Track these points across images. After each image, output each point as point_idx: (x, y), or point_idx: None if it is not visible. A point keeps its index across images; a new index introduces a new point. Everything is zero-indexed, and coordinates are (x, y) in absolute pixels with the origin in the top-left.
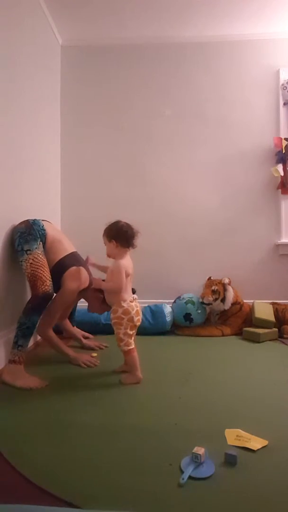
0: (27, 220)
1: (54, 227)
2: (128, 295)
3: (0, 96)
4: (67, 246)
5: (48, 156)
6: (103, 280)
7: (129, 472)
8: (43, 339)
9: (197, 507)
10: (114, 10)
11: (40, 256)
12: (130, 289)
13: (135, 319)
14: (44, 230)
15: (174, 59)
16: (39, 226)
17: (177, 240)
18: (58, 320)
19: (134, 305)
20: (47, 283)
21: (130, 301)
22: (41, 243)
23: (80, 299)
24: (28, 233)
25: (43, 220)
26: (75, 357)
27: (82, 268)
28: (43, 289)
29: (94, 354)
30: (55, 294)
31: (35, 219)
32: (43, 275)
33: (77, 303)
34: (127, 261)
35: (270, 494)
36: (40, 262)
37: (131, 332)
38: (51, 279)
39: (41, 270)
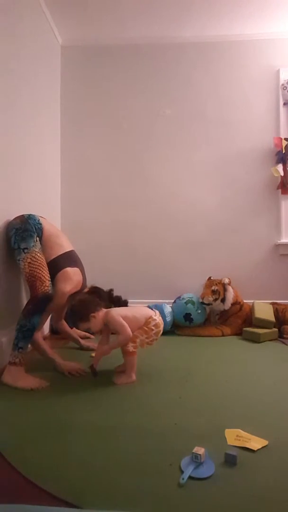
0: (22, 215)
1: (50, 223)
2: (149, 310)
3: (0, 96)
4: (64, 243)
5: (48, 156)
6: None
7: (129, 472)
8: (30, 343)
9: (197, 507)
10: (114, 10)
11: (38, 254)
12: (142, 308)
13: (159, 335)
14: (40, 224)
15: (174, 59)
16: (34, 220)
17: (177, 240)
18: (54, 322)
19: (162, 321)
20: (47, 284)
21: (159, 315)
22: (37, 238)
23: None
24: (24, 229)
25: (39, 216)
26: (60, 364)
27: (77, 269)
28: (43, 289)
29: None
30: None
31: (30, 214)
32: (42, 275)
33: None
34: (113, 310)
35: (270, 494)
36: (39, 262)
37: (147, 341)
38: (50, 279)
39: (40, 270)
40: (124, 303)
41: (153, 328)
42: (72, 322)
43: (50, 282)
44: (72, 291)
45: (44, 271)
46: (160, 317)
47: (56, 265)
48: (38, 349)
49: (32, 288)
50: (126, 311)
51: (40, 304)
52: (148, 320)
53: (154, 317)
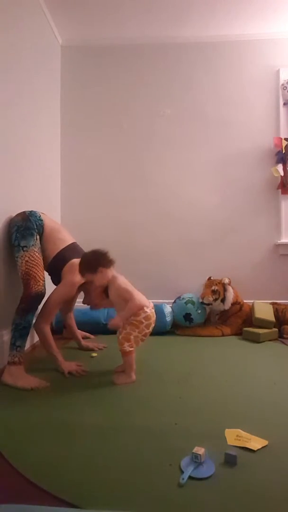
0: (23, 212)
1: (51, 218)
2: (145, 300)
3: (1, 96)
4: (67, 237)
5: (48, 156)
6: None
7: (129, 472)
8: (38, 335)
9: (197, 507)
10: (114, 10)
11: (37, 254)
12: (141, 294)
13: (151, 327)
14: (42, 220)
15: (174, 59)
16: (35, 216)
17: (177, 240)
18: (63, 314)
19: (154, 314)
20: (41, 283)
21: (152, 308)
22: (38, 237)
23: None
24: (25, 227)
25: (40, 212)
26: (61, 363)
27: None
28: (36, 289)
29: (94, 354)
30: (55, 287)
31: (31, 210)
32: (37, 275)
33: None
34: (120, 277)
35: (270, 494)
36: (36, 261)
37: (143, 338)
38: (44, 279)
39: (35, 269)
40: None
41: (143, 320)
42: (80, 270)
43: (44, 282)
44: (80, 281)
45: (39, 271)
46: (153, 310)
47: (62, 258)
48: (45, 342)
49: (26, 286)
50: (131, 287)
51: (33, 302)
52: (138, 312)
53: (146, 309)
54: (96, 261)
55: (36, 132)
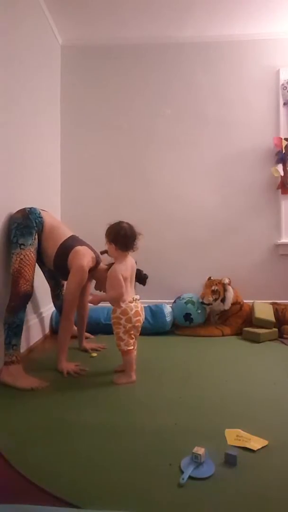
0: (23, 208)
1: (51, 215)
2: (128, 296)
3: (1, 96)
4: (66, 232)
5: (48, 156)
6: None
7: (129, 472)
8: (62, 324)
9: (197, 507)
10: (114, 10)
11: (32, 254)
12: (130, 290)
13: (134, 319)
14: (41, 217)
15: (174, 59)
16: (35, 214)
17: (177, 240)
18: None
19: (134, 306)
20: (29, 283)
21: (130, 302)
22: (36, 236)
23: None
24: (25, 225)
25: (40, 209)
26: (62, 362)
27: (85, 247)
28: (25, 288)
29: (94, 354)
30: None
31: (31, 207)
32: (28, 274)
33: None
34: (124, 265)
35: (270, 494)
36: (29, 261)
37: (131, 332)
38: (33, 280)
39: (27, 268)
40: (144, 278)
41: (120, 316)
42: (106, 231)
43: (32, 283)
44: (88, 264)
45: (31, 271)
46: (130, 305)
47: (65, 248)
48: (63, 334)
49: (14, 284)
50: (127, 275)
51: (21, 301)
52: (114, 309)
53: (121, 304)
54: (114, 234)
55: (36, 131)
